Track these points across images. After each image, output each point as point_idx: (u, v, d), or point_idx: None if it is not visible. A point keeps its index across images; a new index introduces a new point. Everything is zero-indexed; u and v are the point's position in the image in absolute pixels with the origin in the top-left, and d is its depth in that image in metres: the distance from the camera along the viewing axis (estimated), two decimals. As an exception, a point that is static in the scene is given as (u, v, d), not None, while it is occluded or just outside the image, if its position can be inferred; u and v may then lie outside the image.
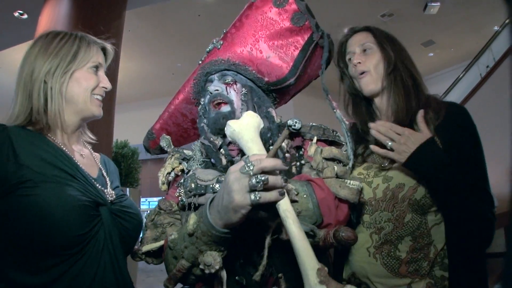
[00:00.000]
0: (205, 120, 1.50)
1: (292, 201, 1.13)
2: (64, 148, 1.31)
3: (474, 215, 1.38)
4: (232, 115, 1.40)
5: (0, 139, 1.15)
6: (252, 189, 0.95)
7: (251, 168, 0.96)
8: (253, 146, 1.12)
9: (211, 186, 1.29)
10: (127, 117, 12.62)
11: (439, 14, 9.42)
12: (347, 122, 1.49)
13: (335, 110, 1.50)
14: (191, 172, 1.41)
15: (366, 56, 1.65)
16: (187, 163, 1.52)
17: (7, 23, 6.95)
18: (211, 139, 1.44)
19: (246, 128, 1.15)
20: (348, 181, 1.29)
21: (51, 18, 4.70)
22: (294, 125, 1.35)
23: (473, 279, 1.40)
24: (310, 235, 1.12)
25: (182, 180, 1.41)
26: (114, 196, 1.35)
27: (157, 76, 12.81)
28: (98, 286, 1.18)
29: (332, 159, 1.36)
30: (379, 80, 1.63)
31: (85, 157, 1.44)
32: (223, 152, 1.43)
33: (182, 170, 1.52)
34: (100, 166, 1.49)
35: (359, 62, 1.64)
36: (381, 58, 1.63)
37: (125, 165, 6.74)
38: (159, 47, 10.32)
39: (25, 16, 6.80)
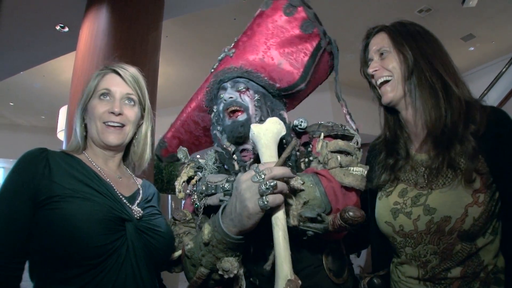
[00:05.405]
0: (218, 127, 1.54)
1: (299, 190, 1.18)
2: (99, 170, 1.39)
3: None
4: (248, 121, 1.43)
5: (39, 159, 1.26)
6: (262, 195, 1.04)
7: (263, 177, 1.04)
8: (266, 152, 1.17)
9: (221, 186, 1.35)
10: (168, 121, 12.72)
11: (478, 6, 9.09)
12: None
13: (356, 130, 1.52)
14: (202, 178, 1.50)
15: (383, 62, 1.50)
16: (201, 172, 1.57)
17: (49, 36, 7.21)
18: (224, 146, 1.49)
19: (264, 133, 1.19)
20: (352, 168, 1.30)
21: (91, 30, 4.86)
22: (300, 125, 1.51)
23: None
24: (318, 220, 1.16)
25: (195, 188, 1.48)
26: (141, 213, 1.37)
27: (196, 79, 12.77)
28: None
29: (339, 151, 1.36)
30: (399, 87, 1.47)
31: (122, 180, 1.49)
32: (236, 158, 1.47)
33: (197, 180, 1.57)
34: (138, 188, 1.52)
35: (376, 70, 1.52)
36: (399, 61, 1.46)
37: (167, 172, 6.81)
38: (197, 51, 10.42)
39: (66, 29, 7.02)
